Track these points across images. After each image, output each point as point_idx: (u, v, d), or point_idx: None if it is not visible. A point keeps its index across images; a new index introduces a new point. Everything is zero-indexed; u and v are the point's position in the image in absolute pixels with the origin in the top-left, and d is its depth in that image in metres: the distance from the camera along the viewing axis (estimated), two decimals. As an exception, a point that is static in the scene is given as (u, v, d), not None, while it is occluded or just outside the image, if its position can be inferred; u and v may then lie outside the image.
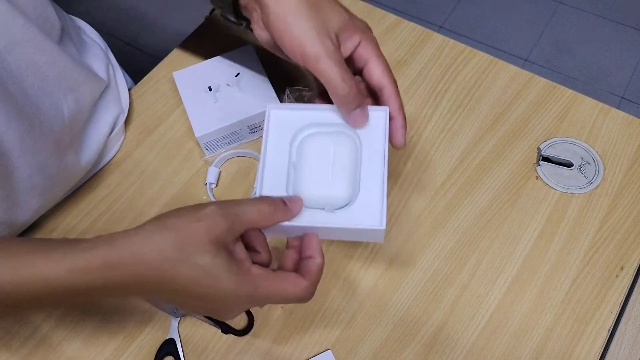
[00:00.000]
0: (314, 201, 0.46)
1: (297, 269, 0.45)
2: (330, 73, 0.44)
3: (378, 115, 0.49)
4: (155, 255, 0.38)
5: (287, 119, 0.49)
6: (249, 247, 0.44)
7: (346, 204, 0.47)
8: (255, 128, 0.67)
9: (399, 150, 0.66)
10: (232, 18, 0.53)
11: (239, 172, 0.67)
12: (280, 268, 0.45)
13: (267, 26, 0.47)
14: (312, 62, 0.44)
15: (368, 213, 0.46)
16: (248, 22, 0.52)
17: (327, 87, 0.46)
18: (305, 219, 0.45)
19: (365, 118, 0.48)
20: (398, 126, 0.48)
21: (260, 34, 0.49)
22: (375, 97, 0.50)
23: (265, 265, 0.44)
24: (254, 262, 0.42)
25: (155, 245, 0.38)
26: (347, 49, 0.47)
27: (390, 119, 0.48)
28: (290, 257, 0.46)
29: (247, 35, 0.73)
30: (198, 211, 0.40)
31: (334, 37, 0.45)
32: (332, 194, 0.46)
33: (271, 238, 0.47)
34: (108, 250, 0.38)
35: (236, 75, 0.67)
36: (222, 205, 0.40)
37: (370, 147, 0.48)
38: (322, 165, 0.47)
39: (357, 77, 0.49)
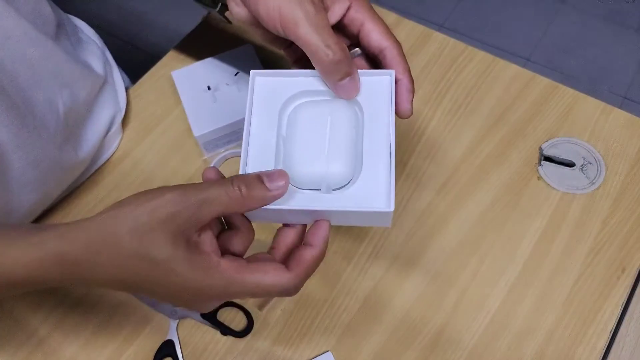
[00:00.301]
0: (309, 181, 0.40)
1: (288, 256, 0.39)
2: (311, 38, 0.39)
3: (382, 80, 0.42)
4: (111, 250, 0.35)
5: (275, 87, 0.42)
6: (227, 224, 0.39)
7: (346, 184, 0.40)
8: None
9: (400, 151, 0.66)
10: (207, 1, 0.49)
11: (238, 172, 0.66)
12: (272, 249, 0.40)
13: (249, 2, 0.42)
14: (290, 26, 0.39)
15: (373, 193, 0.39)
16: (223, 5, 0.48)
17: (309, 54, 0.40)
18: (297, 202, 0.38)
19: (354, 90, 0.41)
20: (404, 90, 0.42)
21: (237, 10, 0.44)
22: (376, 67, 0.44)
23: (246, 245, 0.40)
24: (228, 250, 0.38)
25: (111, 237, 0.35)
26: (335, 14, 0.42)
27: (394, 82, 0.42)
28: (285, 238, 0.40)
29: (246, 34, 0.73)
30: (157, 197, 0.35)
31: (317, 1, 0.40)
32: (330, 171, 0.39)
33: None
34: (60, 244, 0.35)
35: (235, 75, 0.66)
36: (185, 191, 0.35)
37: (374, 116, 0.41)
38: (317, 139, 0.40)
39: (356, 49, 0.44)
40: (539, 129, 0.67)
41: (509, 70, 0.72)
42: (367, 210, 0.39)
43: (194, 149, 0.68)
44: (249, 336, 0.57)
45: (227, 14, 0.49)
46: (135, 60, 0.80)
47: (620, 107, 0.68)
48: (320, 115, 0.41)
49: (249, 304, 0.58)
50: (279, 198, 0.37)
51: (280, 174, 0.37)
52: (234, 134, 0.65)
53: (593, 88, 1.71)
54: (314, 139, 0.40)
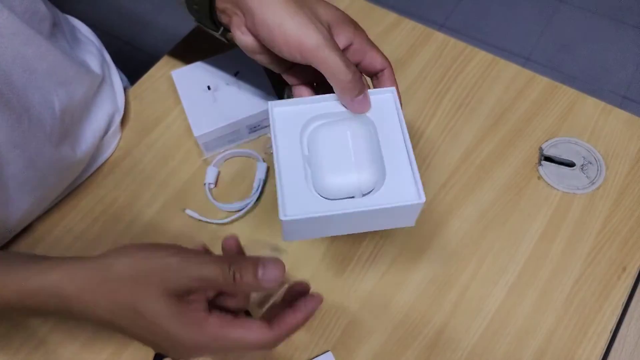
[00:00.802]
0: (343, 190, 0.44)
1: (273, 315, 0.41)
2: (333, 60, 0.43)
3: (385, 97, 0.48)
4: (106, 294, 0.38)
5: (291, 114, 0.47)
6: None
7: (374, 188, 0.44)
8: (254, 127, 0.66)
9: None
10: (208, 24, 0.51)
11: (239, 172, 0.66)
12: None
13: (253, 29, 0.45)
14: (312, 51, 0.43)
15: (401, 192, 0.43)
16: (224, 28, 0.51)
17: (329, 75, 0.44)
18: (337, 207, 0.42)
19: (368, 104, 0.46)
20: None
21: (243, 38, 0.47)
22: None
23: (240, 307, 0.43)
24: (223, 305, 0.41)
25: (108, 282, 0.38)
26: (341, 43, 0.46)
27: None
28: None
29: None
30: (159, 258, 0.38)
31: (327, 27, 0.45)
32: (360, 178, 0.44)
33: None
34: (60, 278, 0.38)
35: (235, 74, 0.66)
36: (187, 263, 0.38)
37: (386, 127, 0.46)
38: (342, 152, 0.45)
39: None
40: (539, 128, 0.67)
41: (509, 70, 0.72)
42: (403, 204, 0.42)
43: (193, 149, 0.68)
44: (249, 336, 0.57)
45: (229, 36, 0.50)
46: (134, 61, 0.80)
47: (620, 107, 0.68)
48: (339, 133, 0.46)
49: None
50: (270, 288, 0.39)
51: (275, 264, 0.39)
52: (234, 133, 0.65)
53: (593, 87, 1.71)
54: (339, 153, 0.45)
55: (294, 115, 0.47)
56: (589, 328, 0.56)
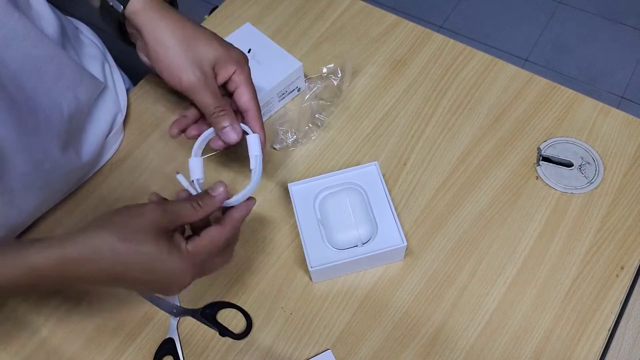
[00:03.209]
0: (347, 242, 0.59)
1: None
2: (204, 99, 0.54)
3: (370, 170, 0.63)
4: (108, 251, 0.43)
5: (305, 190, 0.62)
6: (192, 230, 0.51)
7: (370, 238, 0.59)
8: (283, 94, 0.69)
9: (399, 150, 0.67)
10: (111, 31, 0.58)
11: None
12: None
13: (148, 56, 0.55)
14: (188, 91, 0.54)
15: (390, 238, 0.58)
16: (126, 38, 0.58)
17: (202, 109, 0.55)
18: (346, 255, 0.58)
19: (235, 135, 0.54)
20: (258, 141, 0.55)
21: (144, 59, 0.57)
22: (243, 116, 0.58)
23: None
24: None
25: (106, 241, 0.43)
26: (222, 78, 0.55)
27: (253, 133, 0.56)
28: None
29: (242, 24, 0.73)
30: (141, 208, 0.45)
31: (208, 68, 0.54)
32: (359, 232, 0.59)
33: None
34: (62, 251, 0.42)
35: (248, 51, 0.68)
36: (162, 203, 0.47)
37: (373, 191, 0.62)
38: (344, 215, 0.60)
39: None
40: (537, 129, 0.68)
41: (508, 71, 0.72)
42: (391, 248, 0.58)
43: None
44: (250, 335, 0.57)
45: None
46: (136, 63, 0.80)
47: (618, 107, 0.68)
48: (341, 200, 0.61)
49: (248, 305, 0.59)
50: (222, 202, 0.50)
51: (218, 184, 0.50)
52: (266, 105, 0.67)
53: (591, 88, 1.72)
54: (342, 216, 0.60)
55: (307, 190, 0.62)
56: (587, 326, 0.56)
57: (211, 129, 0.56)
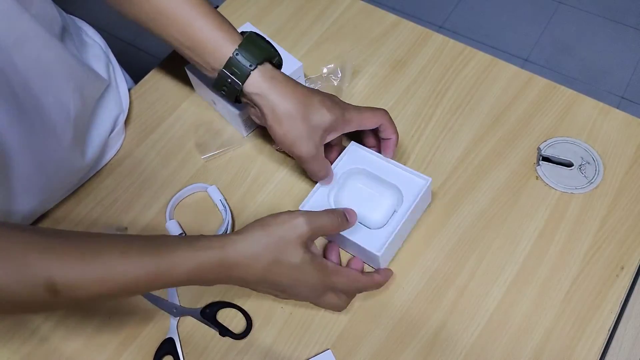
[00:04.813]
0: (385, 214, 0.60)
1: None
2: (314, 167, 0.59)
3: (419, 182, 0.61)
4: (264, 256, 0.50)
5: (314, 203, 0.61)
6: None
7: (399, 198, 0.60)
8: None
9: (399, 149, 0.67)
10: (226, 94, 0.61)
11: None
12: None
13: (264, 124, 0.59)
14: (299, 159, 0.59)
15: (415, 184, 0.60)
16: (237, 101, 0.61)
17: (308, 172, 0.61)
18: (394, 223, 0.58)
19: (329, 180, 0.61)
20: (392, 144, 0.61)
21: (254, 118, 0.61)
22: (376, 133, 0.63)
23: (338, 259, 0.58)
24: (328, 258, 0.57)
25: (262, 248, 0.50)
26: (330, 138, 0.60)
27: (388, 139, 0.61)
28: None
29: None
30: (292, 220, 0.51)
31: (320, 136, 0.58)
32: (388, 200, 0.61)
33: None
34: (222, 252, 0.48)
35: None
36: (308, 217, 0.51)
37: (372, 164, 0.62)
38: (364, 194, 0.62)
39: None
40: (537, 129, 0.68)
41: (508, 71, 0.72)
42: (423, 189, 0.59)
43: (194, 149, 0.68)
44: (250, 335, 0.57)
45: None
46: (137, 62, 0.80)
47: (618, 107, 0.68)
48: (352, 186, 0.63)
49: (248, 305, 0.59)
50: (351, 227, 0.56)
51: (353, 212, 0.56)
52: None
53: (591, 88, 1.72)
54: (364, 196, 0.62)
55: (316, 202, 0.61)
56: (587, 327, 0.56)
57: (183, 192, 0.64)
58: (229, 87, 0.58)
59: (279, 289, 0.52)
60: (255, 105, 0.58)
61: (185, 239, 0.49)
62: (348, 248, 0.60)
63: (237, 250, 0.49)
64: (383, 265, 0.59)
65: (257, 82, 0.56)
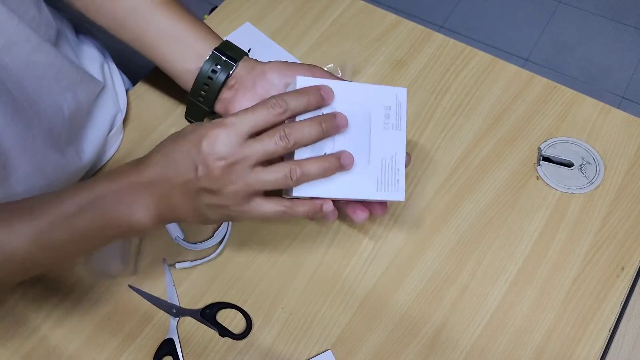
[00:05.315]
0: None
1: None
2: None
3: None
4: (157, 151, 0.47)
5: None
6: None
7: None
8: None
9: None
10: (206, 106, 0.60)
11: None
12: None
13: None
14: None
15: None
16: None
17: None
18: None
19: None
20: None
21: (245, 103, 0.57)
22: None
23: None
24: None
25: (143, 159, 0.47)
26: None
27: None
28: None
29: (242, 21, 0.73)
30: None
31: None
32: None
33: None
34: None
35: (248, 51, 0.67)
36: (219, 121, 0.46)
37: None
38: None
39: None
40: (537, 128, 0.68)
41: (508, 71, 0.72)
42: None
43: (194, 148, 0.68)
44: (249, 335, 0.57)
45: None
46: (136, 62, 0.80)
47: (619, 107, 0.68)
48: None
49: (248, 305, 0.58)
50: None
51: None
52: None
53: (591, 88, 1.71)
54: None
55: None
56: (587, 327, 0.56)
57: None
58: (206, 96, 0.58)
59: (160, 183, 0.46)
60: (243, 86, 0.56)
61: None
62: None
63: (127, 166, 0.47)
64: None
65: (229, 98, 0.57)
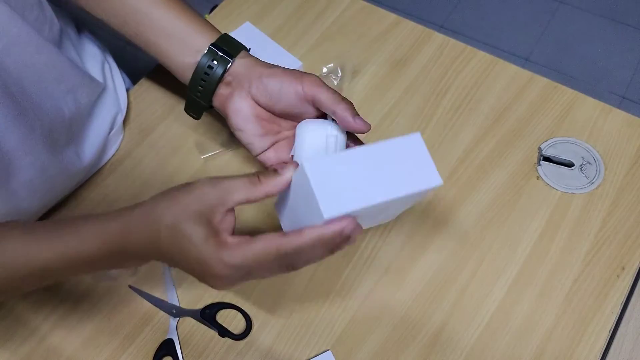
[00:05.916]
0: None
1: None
2: (334, 97, 0.50)
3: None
4: (157, 223, 0.43)
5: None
6: None
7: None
8: None
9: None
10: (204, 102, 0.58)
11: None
12: None
13: (258, 92, 0.54)
14: (315, 88, 0.51)
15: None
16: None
17: (331, 103, 0.50)
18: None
19: (367, 124, 0.49)
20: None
21: (243, 103, 0.55)
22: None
23: None
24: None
25: (158, 214, 0.43)
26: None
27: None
28: None
29: (241, 20, 0.73)
30: (191, 184, 0.43)
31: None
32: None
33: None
34: (125, 218, 0.44)
35: (248, 51, 0.67)
36: (213, 179, 0.43)
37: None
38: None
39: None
40: (538, 128, 0.68)
41: (508, 70, 0.72)
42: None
43: (194, 148, 0.68)
44: (249, 336, 0.57)
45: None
46: (136, 61, 0.80)
47: (619, 107, 0.68)
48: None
49: (248, 305, 0.58)
50: (288, 183, 0.43)
51: (290, 165, 0.44)
52: None
53: (592, 88, 1.71)
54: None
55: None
56: (587, 327, 0.56)
57: None
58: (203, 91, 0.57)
59: (167, 257, 0.45)
60: (239, 84, 0.55)
61: (99, 213, 0.45)
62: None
63: (121, 219, 0.44)
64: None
65: (225, 95, 0.56)
